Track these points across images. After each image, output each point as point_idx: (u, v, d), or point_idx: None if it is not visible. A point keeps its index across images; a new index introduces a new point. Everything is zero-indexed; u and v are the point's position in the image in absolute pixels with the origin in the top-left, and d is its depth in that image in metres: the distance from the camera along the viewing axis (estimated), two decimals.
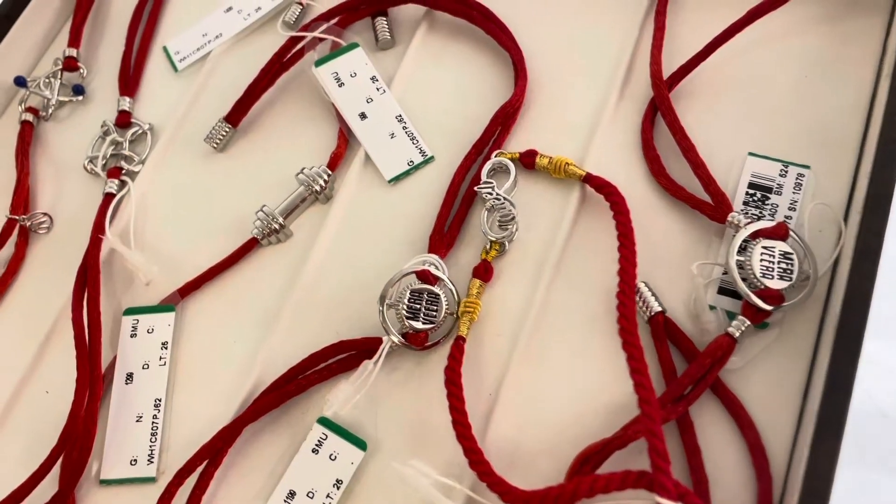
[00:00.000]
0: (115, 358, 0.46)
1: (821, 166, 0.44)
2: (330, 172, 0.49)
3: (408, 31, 0.54)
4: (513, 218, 0.45)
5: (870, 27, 0.47)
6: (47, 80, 0.56)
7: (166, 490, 0.41)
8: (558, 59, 0.50)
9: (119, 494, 0.43)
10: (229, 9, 0.57)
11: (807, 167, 0.44)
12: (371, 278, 0.46)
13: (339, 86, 0.51)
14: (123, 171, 0.52)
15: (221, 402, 0.44)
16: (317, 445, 0.41)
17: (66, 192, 0.53)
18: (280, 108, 0.53)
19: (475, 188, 0.46)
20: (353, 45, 0.52)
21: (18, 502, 0.42)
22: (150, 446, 0.43)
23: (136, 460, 0.43)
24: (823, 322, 0.40)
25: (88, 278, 0.47)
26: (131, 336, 0.46)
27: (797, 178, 0.44)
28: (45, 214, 0.51)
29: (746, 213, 0.43)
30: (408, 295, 0.43)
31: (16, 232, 0.51)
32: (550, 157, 0.46)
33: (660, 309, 0.41)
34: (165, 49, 0.57)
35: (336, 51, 0.52)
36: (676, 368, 0.40)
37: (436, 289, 0.43)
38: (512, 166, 0.46)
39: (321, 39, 0.52)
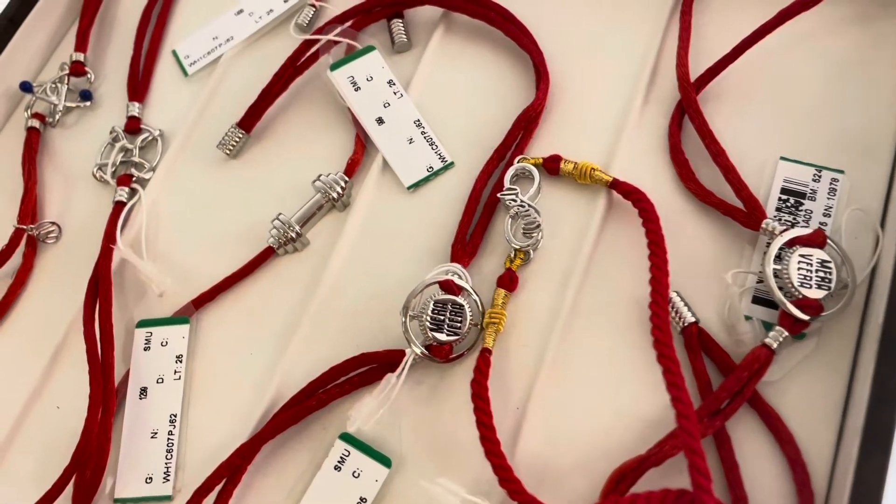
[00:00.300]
0: (127, 372, 0.45)
1: (855, 171, 0.43)
2: (347, 179, 0.47)
3: (424, 33, 0.52)
4: (538, 225, 0.43)
5: None
6: (54, 86, 0.55)
7: None
8: (580, 61, 0.49)
9: None
10: (240, 11, 0.55)
11: (840, 172, 0.43)
12: (391, 288, 0.45)
13: (356, 90, 0.50)
14: (134, 179, 0.50)
15: (239, 417, 0.43)
16: (339, 462, 0.40)
17: (74, 200, 0.51)
18: (294, 114, 0.51)
19: (498, 195, 0.44)
20: (370, 48, 0.51)
21: None
22: (166, 463, 0.42)
23: (151, 478, 0.42)
24: (862, 331, 0.39)
25: (100, 290, 0.45)
26: (144, 349, 0.45)
27: (831, 183, 0.42)
28: (53, 224, 0.50)
29: (780, 220, 0.42)
30: (431, 306, 0.41)
31: (23, 242, 0.49)
32: (575, 163, 0.45)
33: (693, 319, 0.40)
34: (175, 53, 0.55)
35: (351, 54, 0.51)
36: (711, 381, 0.39)
37: (460, 299, 0.42)
38: (536, 172, 0.45)
39: (336, 42, 0.51)
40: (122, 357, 0.45)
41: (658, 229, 0.41)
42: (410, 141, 0.48)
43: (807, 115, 0.45)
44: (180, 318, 0.46)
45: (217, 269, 0.47)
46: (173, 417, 0.43)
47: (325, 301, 0.45)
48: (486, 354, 0.41)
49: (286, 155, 0.50)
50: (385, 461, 0.40)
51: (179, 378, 0.44)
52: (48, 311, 0.48)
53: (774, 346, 0.38)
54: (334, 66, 0.50)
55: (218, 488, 0.40)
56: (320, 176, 0.47)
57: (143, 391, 0.44)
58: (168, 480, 0.42)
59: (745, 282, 0.41)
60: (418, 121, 0.49)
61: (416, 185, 0.47)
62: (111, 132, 0.52)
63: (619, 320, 0.42)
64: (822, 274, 0.38)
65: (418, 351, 0.41)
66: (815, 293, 0.38)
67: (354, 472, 0.40)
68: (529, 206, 0.43)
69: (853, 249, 0.40)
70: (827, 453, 0.37)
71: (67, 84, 0.55)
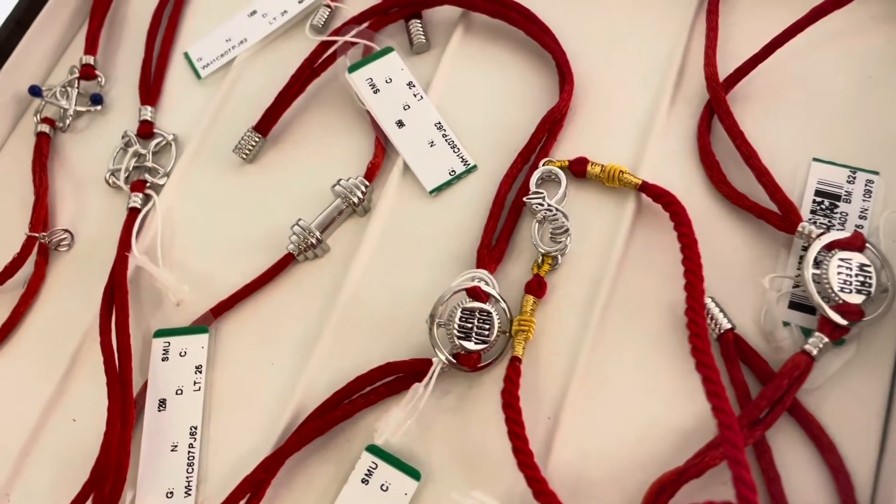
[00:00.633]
0: (145, 383, 0.43)
1: (890, 171, 0.42)
2: (367, 184, 0.46)
3: (443, 33, 0.51)
4: (566, 230, 0.42)
5: None
6: (63, 90, 0.54)
7: None
8: (604, 61, 0.48)
9: None
10: (253, 12, 0.54)
11: (875, 173, 0.42)
12: (414, 295, 0.44)
13: (374, 92, 0.48)
14: (148, 185, 0.49)
15: (261, 429, 0.42)
16: (366, 475, 0.39)
17: (86, 207, 0.50)
18: (311, 117, 0.50)
19: (524, 199, 0.43)
20: (388, 49, 0.49)
21: None
22: (187, 477, 0.41)
23: (172, 493, 0.41)
24: None
25: (116, 299, 0.44)
26: (163, 360, 0.44)
27: (866, 185, 0.41)
28: (65, 231, 0.49)
29: (815, 223, 0.41)
30: (459, 313, 0.40)
31: (35, 250, 0.48)
32: (602, 165, 0.44)
33: (729, 326, 0.39)
34: (187, 55, 0.54)
35: (370, 55, 0.50)
36: (749, 389, 0.38)
37: (487, 306, 0.41)
38: (562, 175, 0.44)
39: (353, 44, 0.50)
40: (140, 368, 0.44)
41: (691, 233, 0.40)
42: (431, 144, 0.47)
43: (838, 114, 0.44)
44: (199, 327, 0.44)
45: (234, 277, 0.46)
46: (194, 430, 0.42)
47: (347, 308, 0.44)
48: (516, 363, 0.39)
49: (303, 159, 0.49)
50: (414, 473, 0.39)
51: (199, 389, 0.43)
52: (61, 320, 0.47)
53: (814, 352, 0.37)
54: (353, 68, 0.49)
55: (242, 503, 0.39)
56: (340, 180, 0.46)
57: (162, 403, 0.43)
58: (189, 495, 0.41)
59: (782, 286, 0.40)
60: (439, 123, 0.48)
61: (439, 189, 0.46)
62: (123, 137, 0.51)
63: (651, 327, 0.41)
64: (861, 278, 0.37)
65: (446, 359, 0.40)
66: (855, 298, 0.37)
67: (383, 485, 0.39)
68: (557, 209, 0.42)
69: (892, 252, 0.39)
70: (870, 461, 0.36)
71: (77, 88, 0.54)
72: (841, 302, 0.37)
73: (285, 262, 0.45)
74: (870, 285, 0.37)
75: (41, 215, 0.49)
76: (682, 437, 0.38)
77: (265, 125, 0.49)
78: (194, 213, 0.49)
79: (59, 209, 0.50)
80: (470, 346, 0.40)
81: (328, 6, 0.53)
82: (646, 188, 0.42)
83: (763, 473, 0.36)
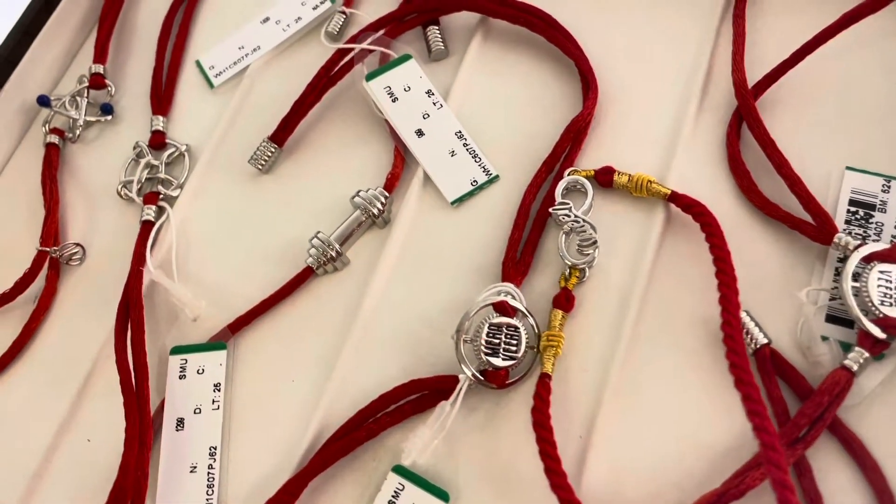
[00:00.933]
0: (162, 402, 0.42)
1: None
2: (387, 195, 0.45)
3: (462, 40, 0.50)
4: (594, 242, 0.41)
5: None
6: (73, 99, 0.53)
7: None
8: (627, 67, 0.47)
9: None
10: (266, 19, 0.53)
11: None
12: (437, 309, 0.42)
13: (393, 101, 0.47)
14: (161, 197, 0.48)
15: (283, 449, 0.41)
16: (393, 497, 0.38)
17: (98, 220, 0.49)
18: (328, 126, 0.49)
19: (550, 210, 0.42)
20: (406, 57, 0.48)
21: None
22: (207, 499, 0.40)
23: None
24: None
25: (131, 315, 0.43)
26: (180, 377, 0.43)
27: None
28: (77, 245, 0.48)
29: (851, 234, 0.40)
30: (486, 329, 0.39)
31: (46, 265, 0.47)
32: (630, 175, 0.43)
33: (766, 340, 0.38)
34: (199, 63, 0.53)
35: (387, 63, 0.48)
36: (788, 406, 0.37)
37: (515, 321, 0.39)
38: (589, 185, 0.43)
39: (370, 51, 0.49)
40: (156, 386, 0.43)
41: (724, 245, 0.39)
42: (452, 153, 0.46)
43: (871, 121, 0.43)
44: (216, 343, 0.43)
45: (252, 291, 0.45)
46: (213, 450, 0.41)
47: (368, 323, 0.43)
48: (545, 380, 0.38)
49: (321, 170, 0.48)
50: (442, 495, 0.38)
51: (218, 408, 0.42)
52: (74, 337, 0.46)
53: (855, 367, 0.36)
54: (370, 76, 0.48)
55: None
56: (359, 192, 0.45)
57: (180, 422, 0.42)
58: None
59: (818, 299, 0.39)
60: (460, 132, 0.47)
61: (460, 200, 0.45)
62: (135, 147, 0.50)
63: (683, 341, 0.40)
64: None
65: (472, 375, 0.39)
66: (895, 312, 0.36)
67: None
68: (584, 221, 0.41)
69: None
70: None
71: (87, 97, 0.52)
72: (881, 315, 0.36)
73: (304, 276, 0.44)
74: None
75: (52, 229, 0.48)
76: (719, 455, 0.37)
77: (281, 135, 0.48)
78: (209, 225, 0.47)
79: (70, 222, 0.49)
80: (497, 362, 0.39)
81: (343, 13, 0.52)
82: (675, 198, 0.41)
83: (804, 494, 0.35)
